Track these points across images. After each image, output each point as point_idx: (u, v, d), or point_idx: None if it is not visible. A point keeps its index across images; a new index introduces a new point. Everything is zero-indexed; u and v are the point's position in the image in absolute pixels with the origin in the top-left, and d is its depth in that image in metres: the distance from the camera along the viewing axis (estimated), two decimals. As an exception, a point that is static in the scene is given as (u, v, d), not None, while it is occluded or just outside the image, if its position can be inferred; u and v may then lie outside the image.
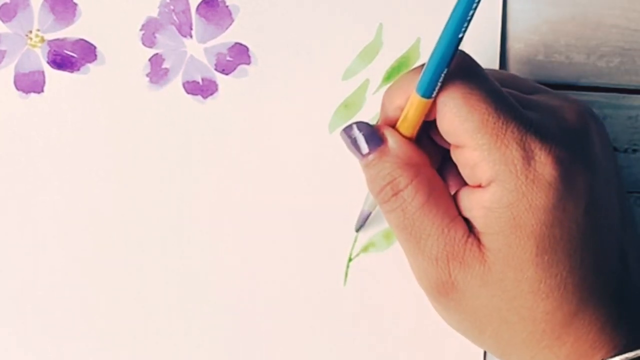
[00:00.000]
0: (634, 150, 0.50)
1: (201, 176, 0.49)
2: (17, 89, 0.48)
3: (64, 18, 0.48)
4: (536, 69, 0.49)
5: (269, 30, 0.49)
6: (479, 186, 0.41)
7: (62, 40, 0.48)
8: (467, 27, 0.38)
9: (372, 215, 0.47)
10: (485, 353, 0.49)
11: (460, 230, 0.41)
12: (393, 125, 0.42)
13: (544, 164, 0.39)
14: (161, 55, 0.49)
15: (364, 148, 0.42)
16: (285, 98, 0.49)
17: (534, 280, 0.40)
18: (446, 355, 0.49)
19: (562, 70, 0.50)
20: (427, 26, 0.49)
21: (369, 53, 0.49)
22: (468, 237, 0.41)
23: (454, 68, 0.40)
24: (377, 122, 0.44)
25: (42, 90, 0.48)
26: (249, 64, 0.49)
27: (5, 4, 0.48)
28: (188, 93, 0.49)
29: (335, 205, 0.49)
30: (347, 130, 0.43)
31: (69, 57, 0.48)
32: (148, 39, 0.49)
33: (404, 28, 0.49)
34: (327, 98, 0.49)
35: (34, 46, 0.48)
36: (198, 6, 0.49)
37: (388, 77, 0.49)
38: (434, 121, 0.41)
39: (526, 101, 0.42)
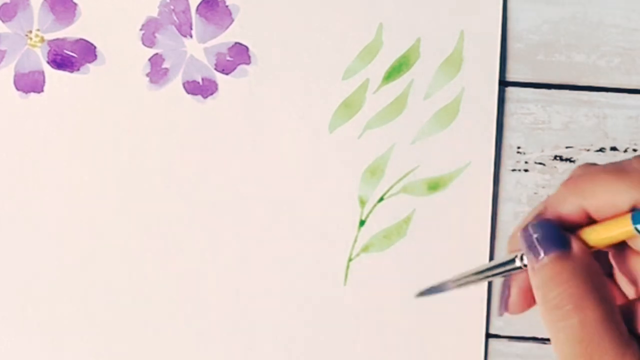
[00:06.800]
0: (634, 150, 0.50)
1: (201, 176, 0.49)
2: (17, 89, 0.48)
3: (64, 18, 0.48)
4: (536, 69, 0.49)
5: (269, 30, 0.49)
6: None
7: (62, 40, 0.48)
8: None
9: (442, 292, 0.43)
10: (485, 353, 0.49)
11: (637, 351, 0.38)
12: (568, 223, 0.39)
13: None
14: (161, 55, 0.49)
15: (540, 252, 0.38)
16: (285, 98, 0.49)
17: None
18: (446, 355, 0.49)
19: (562, 70, 0.50)
20: (427, 26, 0.49)
21: (369, 53, 0.49)
22: None
23: None
24: (540, 210, 0.40)
25: (42, 90, 0.48)
26: (249, 64, 0.49)
27: (5, 4, 0.48)
28: (188, 93, 0.49)
29: (336, 205, 0.49)
30: (528, 230, 0.39)
31: (69, 57, 0.48)
32: (148, 39, 0.49)
33: (404, 28, 0.49)
34: (327, 98, 0.49)
35: (34, 46, 0.48)
36: (198, 6, 0.49)
37: (388, 76, 0.49)
38: None
39: None
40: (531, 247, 0.38)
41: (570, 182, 0.39)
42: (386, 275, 0.49)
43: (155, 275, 0.48)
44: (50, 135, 0.48)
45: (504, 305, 0.41)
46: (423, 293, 0.43)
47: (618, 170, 0.38)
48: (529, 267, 0.39)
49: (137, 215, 0.49)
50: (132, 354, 0.48)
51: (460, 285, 0.42)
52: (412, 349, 0.49)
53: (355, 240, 0.49)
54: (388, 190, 0.49)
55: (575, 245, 0.38)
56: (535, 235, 0.38)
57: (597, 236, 0.38)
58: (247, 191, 0.49)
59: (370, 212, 0.49)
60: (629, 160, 0.38)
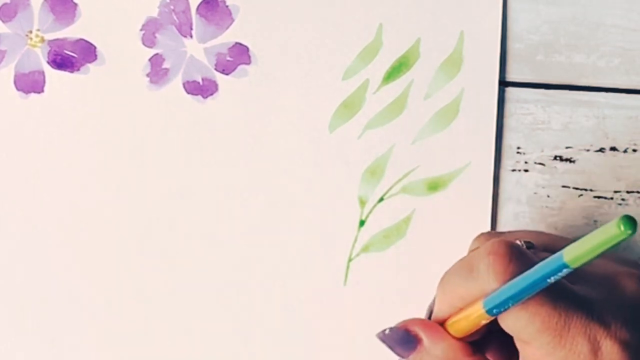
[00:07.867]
0: (634, 150, 0.50)
1: (201, 176, 0.49)
2: (17, 89, 0.48)
3: (64, 18, 0.48)
4: (536, 69, 0.50)
5: (269, 30, 0.49)
6: None
7: (62, 40, 0.48)
8: (561, 276, 0.36)
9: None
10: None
11: None
12: (445, 318, 0.42)
13: (611, 352, 0.38)
14: (161, 55, 0.49)
15: (401, 352, 0.43)
16: (285, 98, 0.49)
17: None
18: (446, 355, 0.49)
19: (562, 70, 0.50)
20: (427, 26, 0.49)
21: (369, 53, 0.49)
22: None
23: None
24: (430, 307, 0.44)
25: (42, 90, 0.48)
26: (249, 64, 0.49)
27: (5, 4, 0.48)
28: (188, 93, 0.49)
29: (336, 205, 0.49)
30: (381, 335, 0.43)
31: (69, 57, 0.48)
32: (148, 39, 0.49)
33: (404, 28, 0.49)
34: (327, 98, 0.49)
35: (34, 46, 0.48)
36: (198, 6, 0.49)
37: (388, 77, 0.49)
38: None
39: (577, 273, 0.40)
40: (390, 349, 0.43)
41: (439, 284, 0.43)
42: (386, 275, 0.49)
43: (155, 275, 0.48)
44: (51, 136, 0.48)
45: None
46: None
47: (468, 267, 0.41)
48: None
49: (137, 215, 0.49)
50: (132, 353, 0.48)
51: None
52: (412, 349, 0.49)
53: (355, 240, 0.49)
54: (388, 191, 0.49)
55: (427, 340, 0.42)
56: (388, 340, 0.43)
57: (454, 326, 0.42)
58: (247, 191, 0.49)
59: (370, 212, 0.49)
60: (478, 254, 0.41)
